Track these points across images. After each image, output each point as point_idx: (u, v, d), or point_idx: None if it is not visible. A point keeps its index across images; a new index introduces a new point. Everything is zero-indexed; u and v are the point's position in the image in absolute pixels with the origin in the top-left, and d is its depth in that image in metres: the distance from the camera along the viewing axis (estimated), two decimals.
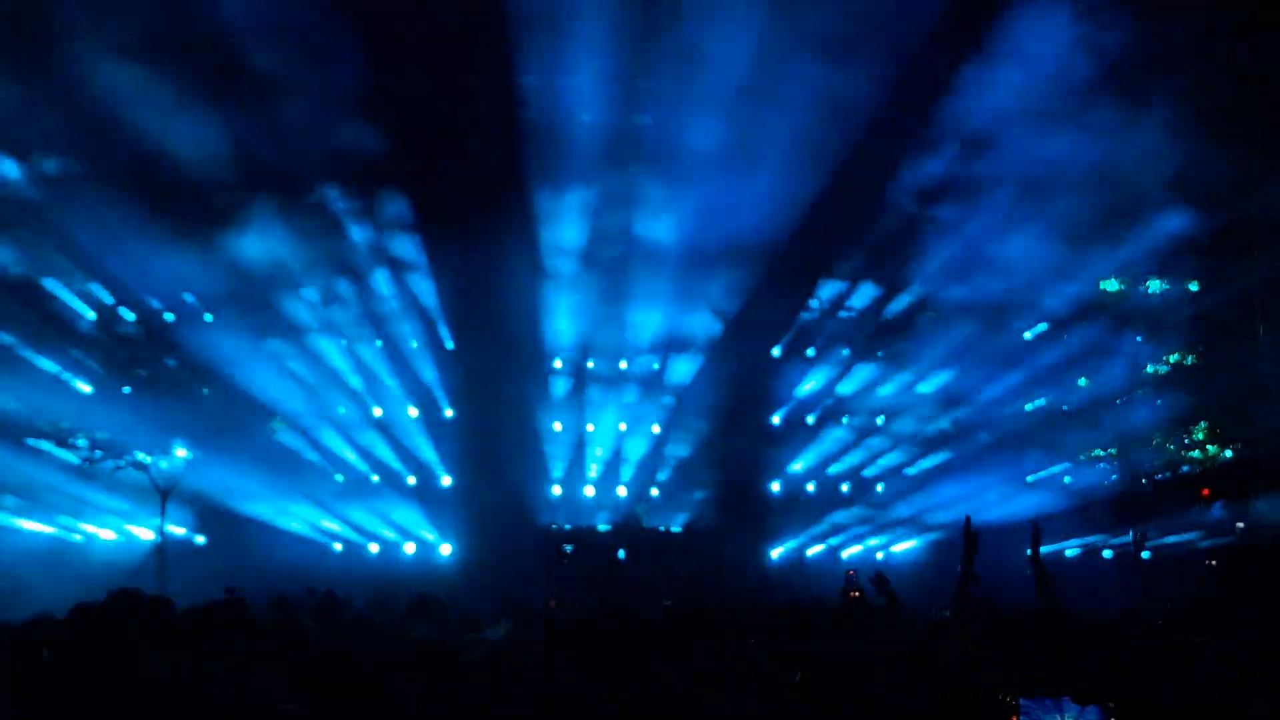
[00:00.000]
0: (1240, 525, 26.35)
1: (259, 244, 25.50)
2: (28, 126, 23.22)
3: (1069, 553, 28.02)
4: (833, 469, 29.22)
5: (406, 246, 27.04)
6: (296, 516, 26.70)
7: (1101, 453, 27.42)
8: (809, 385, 29.04)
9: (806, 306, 28.55)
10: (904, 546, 28.73)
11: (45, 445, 24.47)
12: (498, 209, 25.66)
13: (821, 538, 28.87)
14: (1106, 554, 28.21)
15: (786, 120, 23.00)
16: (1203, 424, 27.20)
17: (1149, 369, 27.03)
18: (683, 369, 28.40)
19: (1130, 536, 27.33)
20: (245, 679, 5.87)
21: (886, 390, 28.76)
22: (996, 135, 23.45)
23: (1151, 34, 21.50)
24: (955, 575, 8.79)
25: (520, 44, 23.64)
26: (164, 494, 24.27)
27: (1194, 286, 26.75)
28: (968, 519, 8.75)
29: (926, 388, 28.37)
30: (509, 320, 27.08)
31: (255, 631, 8.35)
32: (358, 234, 26.73)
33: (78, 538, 26.56)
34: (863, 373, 28.79)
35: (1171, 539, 26.97)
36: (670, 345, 28.38)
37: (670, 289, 27.34)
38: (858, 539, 28.76)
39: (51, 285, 25.53)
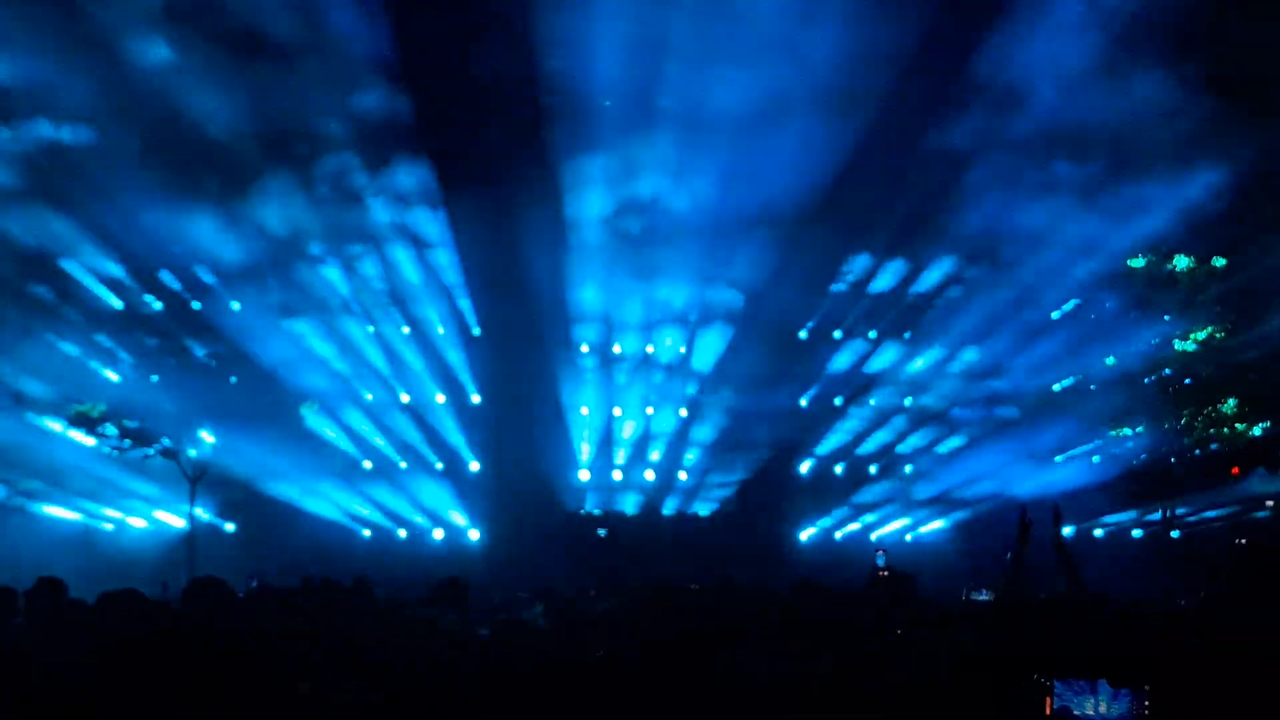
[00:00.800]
0: (1271, 503, 26.20)
1: (287, 231, 25.65)
2: (52, 100, 23.26)
3: (1097, 532, 27.91)
4: (862, 450, 29.14)
5: (433, 230, 27.06)
6: (325, 503, 26.81)
7: (1130, 431, 27.21)
8: (837, 365, 28.93)
9: (834, 283, 28.36)
10: (932, 527, 28.65)
11: (74, 431, 24.60)
12: (524, 194, 25.62)
13: (851, 519, 28.82)
14: (1136, 533, 28.09)
15: (815, 88, 22.84)
16: (1231, 400, 26.94)
17: (1176, 345, 26.82)
18: (710, 351, 28.34)
19: (1159, 515, 27.33)
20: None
21: (914, 368, 28.63)
22: (1024, 105, 23.36)
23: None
24: (1006, 564, 8.67)
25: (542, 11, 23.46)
26: (193, 481, 24.46)
27: (1219, 262, 26.50)
28: (1024, 509, 8.58)
29: (955, 365, 28.23)
30: (535, 305, 27.11)
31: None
32: (383, 217, 26.77)
33: (108, 526, 26.78)
34: (890, 351, 28.65)
35: (1202, 515, 26.86)
36: (697, 327, 28.36)
37: (697, 271, 27.37)
38: (887, 519, 28.69)
39: (75, 270, 25.66)
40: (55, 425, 25.03)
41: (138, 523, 26.90)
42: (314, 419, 26.07)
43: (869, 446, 29.09)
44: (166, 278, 26.59)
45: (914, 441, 28.89)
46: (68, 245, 25.26)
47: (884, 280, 28.18)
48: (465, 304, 28.16)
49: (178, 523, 25.93)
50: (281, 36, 22.86)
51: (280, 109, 23.78)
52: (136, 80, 22.40)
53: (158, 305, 26.67)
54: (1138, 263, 26.51)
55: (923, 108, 24.49)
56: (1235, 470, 26.91)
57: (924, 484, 28.51)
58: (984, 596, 15.36)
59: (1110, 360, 27.04)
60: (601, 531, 24.26)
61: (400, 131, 25.17)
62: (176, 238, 25.53)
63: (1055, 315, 27.19)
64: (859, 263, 28.11)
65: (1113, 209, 24.91)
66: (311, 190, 25.62)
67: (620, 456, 28.85)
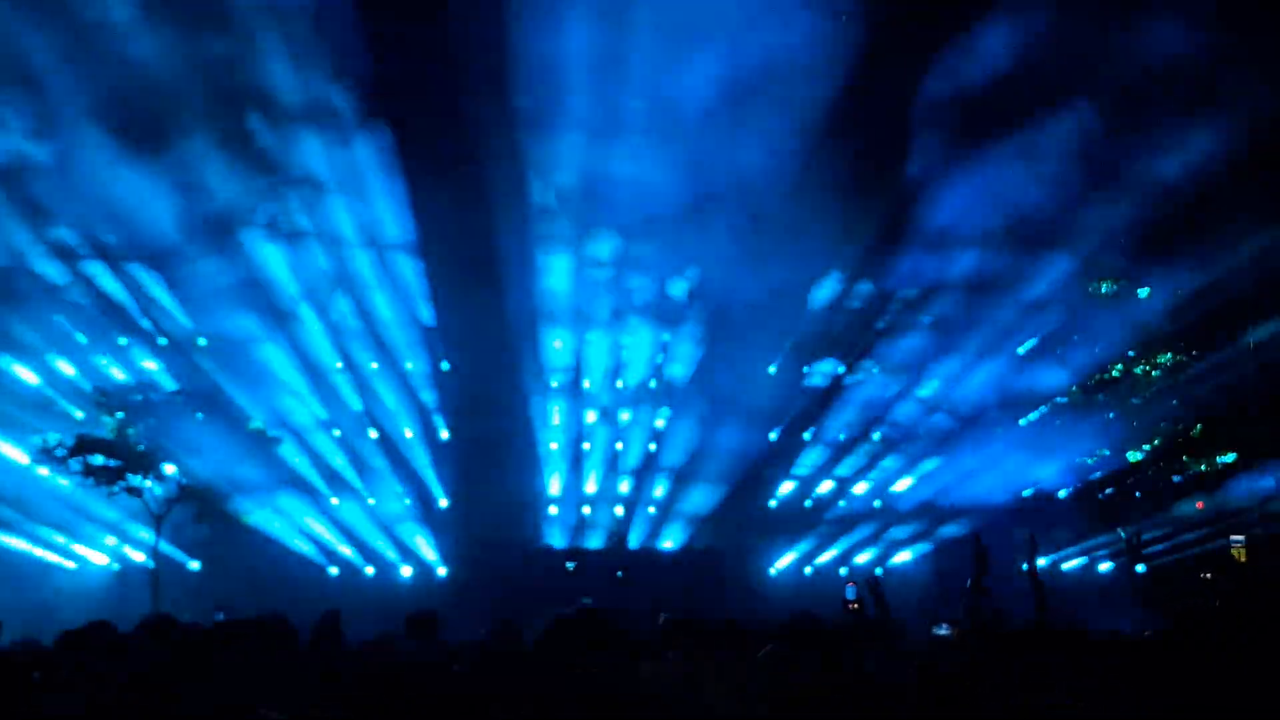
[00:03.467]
0: (1236, 539, 26.34)
1: (259, 264, 25.63)
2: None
3: (1065, 566, 28.01)
4: (830, 483, 29.26)
5: (405, 267, 27.15)
6: (293, 539, 26.59)
7: (1092, 460, 27.35)
8: (807, 400, 29.08)
9: (805, 316, 28.53)
10: (903, 557, 28.69)
11: (40, 467, 24.31)
12: (497, 230, 25.74)
13: (821, 551, 28.85)
14: (1103, 569, 28.21)
15: (791, 116, 23.12)
16: (1197, 428, 27.12)
17: (1138, 369, 27.09)
18: (679, 387, 28.45)
19: (1125, 547, 27.46)
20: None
21: (881, 401, 28.79)
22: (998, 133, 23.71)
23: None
24: (964, 589, 8.59)
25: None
26: (158, 519, 24.16)
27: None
28: (977, 536, 8.54)
29: (921, 396, 28.38)
30: (505, 341, 27.14)
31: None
32: (358, 253, 26.85)
33: (70, 564, 26.45)
34: (858, 384, 28.81)
35: (1168, 544, 26.97)
36: (666, 364, 28.49)
37: (666, 306, 27.54)
38: (857, 550, 28.75)
39: (47, 303, 25.55)
40: (19, 455, 24.79)
41: (99, 558, 26.58)
42: (275, 446, 25.77)
43: (838, 478, 29.21)
44: (135, 312, 26.49)
45: (881, 473, 28.99)
46: (37, 275, 25.27)
47: (852, 311, 28.41)
48: (436, 340, 28.20)
49: (141, 559, 25.60)
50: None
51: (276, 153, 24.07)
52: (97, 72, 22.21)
53: (124, 340, 26.53)
54: (1104, 289, 26.81)
55: (899, 134, 24.79)
56: (1200, 505, 27.02)
57: (893, 514, 28.60)
58: (944, 632, 15.41)
59: (1074, 390, 27.24)
60: (570, 565, 24.10)
61: (380, 168, 25.44)
62: (146, 269, 25.56)
63: (1021, 352, 27.39)
64: (827, 292, 28.33)
65: (1078, 237, 25.22)
66: (295, 239, 25.80)
67: (589, 490, 28.83)
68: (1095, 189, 24.47)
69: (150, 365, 26.58)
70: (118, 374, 25.84)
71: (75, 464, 23.38)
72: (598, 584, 24.25)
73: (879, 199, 25.57)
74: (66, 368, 26.23)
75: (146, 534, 24.73)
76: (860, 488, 29.28)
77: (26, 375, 26.03)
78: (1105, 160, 23.98)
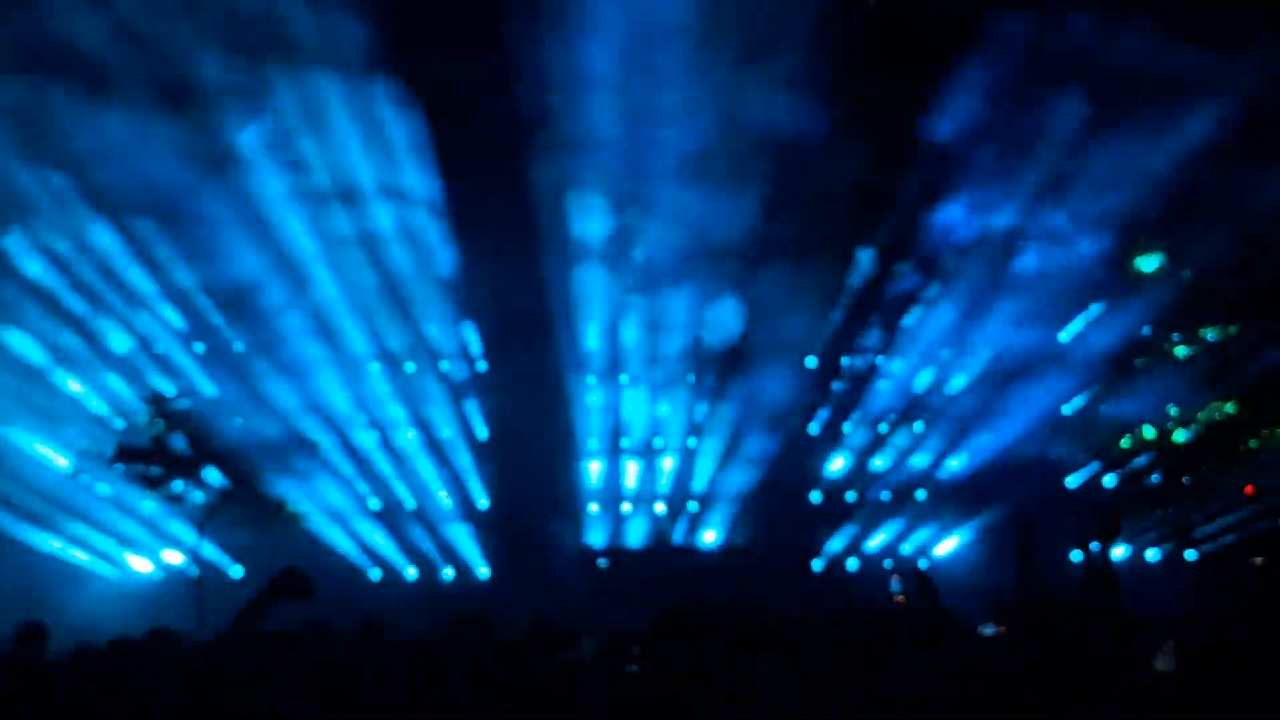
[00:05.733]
0: None
1: (295, 272, 25.73)
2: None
3: (1113, 554, 27.53)
4: (872, 472, 29.00)
5: (441, 260, 27.17)
6: (334, 544, 26.63)
7: (1128, 444, 26.88)
8: (846, 390, 28.86)
9: (840, 305, 28.29)
10: (948, 545, 28.34)
11: (81, 477, 24.54)
12: (530, 221, 25.61)
13: (864, 544, 28.62)
14: (1151, 558, 27.79)
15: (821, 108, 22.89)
16: (1246, 407, 26.56)
17: (1179, 350, 26.65)
18: (717, 381, 28.27)
19: (1172, 532, 27.05)
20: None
21: (920, 384, 28.50)
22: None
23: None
24: (1009, 582, 8.18)
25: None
26: (200, 525, 24.31)
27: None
28: (1025, 517, 7.96)
29: (959, 381, 27.98)
30: (541, 335, 27.06)
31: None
32: (392, 249, 26.90)
33: (112, 569, 26.63)
34: (897, 371, 28.52)
35: (1218, 528, 26.51)
36: (705, 358, 28.30)
37: (704, 300, 27.35)
38: (901, 541, 28.48)
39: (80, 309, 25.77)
40: (60, 459, 24.99)
41: (144, 566, 26.75)
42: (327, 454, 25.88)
43: (880, 470, 28.95)
44: (172, 318, 26.61)
45: (924, 461, 28.68)
46: (73, 285, 25.48)
47: (890, 297, 28.13)
48: (472, 336, 28.19)
49: (181, 561, 25.76)
50: None
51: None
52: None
53: (161, 347, 26.66)
54: (1148, 265, 26.29)
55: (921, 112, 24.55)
56: (1250, 490, 26.52)
57: (936, 502, 28.32)
58: (990, 631, 14.99)
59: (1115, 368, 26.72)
60: (602, 562, 23.94)
61: (418, 177, 25.51)
62: (180, 276, 25.69)
63: (1063, 339, 26.96)
64: (861, 274, 28.11)
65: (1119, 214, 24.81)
66: (317, 228, 25.81)
67: (630, 486, 28.73)
68: (1140, 151, 23.79)
69: (188, 368, 26.73)
70: (158, 380, 25.97)
71: (116, 470, 23.59)
72: (639, 584, 24.14)
73: (920, 193, 25.31)
74: (107, 373, 26.41)
75: (189, 538, 24.90)
76: (903, 474, 28.89)
77: (69, 381, 26.26)
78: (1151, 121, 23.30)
